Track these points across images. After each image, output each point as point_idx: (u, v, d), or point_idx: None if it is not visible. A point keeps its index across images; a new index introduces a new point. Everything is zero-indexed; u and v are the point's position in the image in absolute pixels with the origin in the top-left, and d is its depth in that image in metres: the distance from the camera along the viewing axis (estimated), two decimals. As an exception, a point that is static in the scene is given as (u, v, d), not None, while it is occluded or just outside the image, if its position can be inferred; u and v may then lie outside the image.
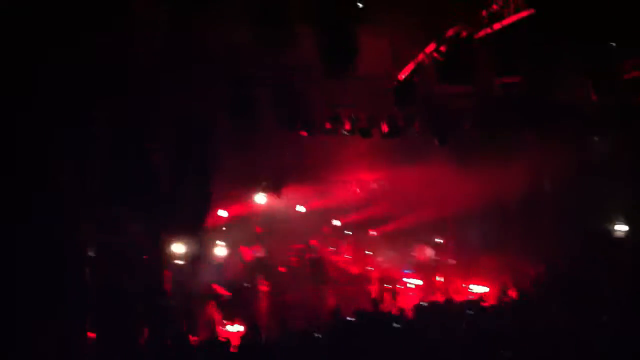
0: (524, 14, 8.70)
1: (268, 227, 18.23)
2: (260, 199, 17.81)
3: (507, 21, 8.78)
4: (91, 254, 10.49)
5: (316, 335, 11.13)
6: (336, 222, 19.46)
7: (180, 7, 8.49)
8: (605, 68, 11.37)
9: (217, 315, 14.10)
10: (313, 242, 17.68)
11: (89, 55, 8.81)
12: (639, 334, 9.57)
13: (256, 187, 17.56)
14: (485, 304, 13.19)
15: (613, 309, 11.16)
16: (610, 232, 16.87)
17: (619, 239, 16.68)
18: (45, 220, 9.34)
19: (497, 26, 8.92)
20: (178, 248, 13.57)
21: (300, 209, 18.83)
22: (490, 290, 15.76)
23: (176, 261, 14.27)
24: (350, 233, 19.78)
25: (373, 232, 19.72)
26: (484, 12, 8.94)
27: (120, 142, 10.53)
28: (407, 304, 16.17)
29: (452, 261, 18.81)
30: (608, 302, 11.73)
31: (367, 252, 18.66)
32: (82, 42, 8.58)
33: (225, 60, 10.41)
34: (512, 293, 14.95)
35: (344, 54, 8.44)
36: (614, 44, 9.96)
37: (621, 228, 16.74)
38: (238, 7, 8.49)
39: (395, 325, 11.01)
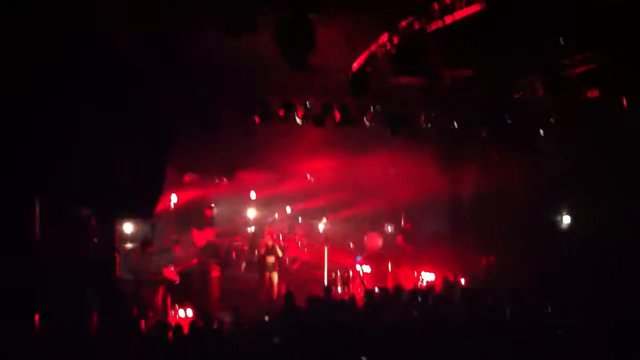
0: (475, 8, 8.84)
1: (220, 212, 18.23)
2: (214, 184, 17.83)
3: (458, 15, 8.91)
4: (40, 236, 10.38)
5: (267, 320, 11.25)
6: (288, 209, 19.53)
7: None
8: (553, 64, 11.63)
9: (167, 300, 14.10)
10: (265, 229, 17.70)
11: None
12: (580, 322, 9.93)
13: (209, 172, 17.56)
14: (434, 291, 13.49)
15: (558, 299, 11.48)
16: (557, 225, 17.34)
17: (565, 231, 17.17)
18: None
19: (448, 20, 9.05)
20: (128, 230, 13.51)
21: (253, 195, 18.86)
22: (438, 278, 16.04)
23: (127, 245, 14.23)
24: (301, 220, 19.90)
25: (325, 220, 19.87)
26: (436, 5, 9.05)
27: (72, 125, 10.38)
28: (357, 290, 16.42)
29: (403, 250, 19.07)
30: (553, 293, 12.08)
31: (319, 239, 18.76)
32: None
33: (181, 47, 10.35)
34: (460, 280, 15.26)
35: (300, 43, 8.46)
36: (561, 39, 10.16)
37: (567, 220, 17.23)
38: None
39: (346, 311, 11.17)
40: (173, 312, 13.69)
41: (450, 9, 8.96)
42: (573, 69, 11.86)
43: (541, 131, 15.37)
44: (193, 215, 17.46)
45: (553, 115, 14.72)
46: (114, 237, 13.18)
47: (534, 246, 16.00)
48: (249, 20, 8.05)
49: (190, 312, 13.46)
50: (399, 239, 19.40)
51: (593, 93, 12.83)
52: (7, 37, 8.32)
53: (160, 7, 8.57)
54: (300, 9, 8.22)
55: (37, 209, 10.37)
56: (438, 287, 14.31)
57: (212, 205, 18.23)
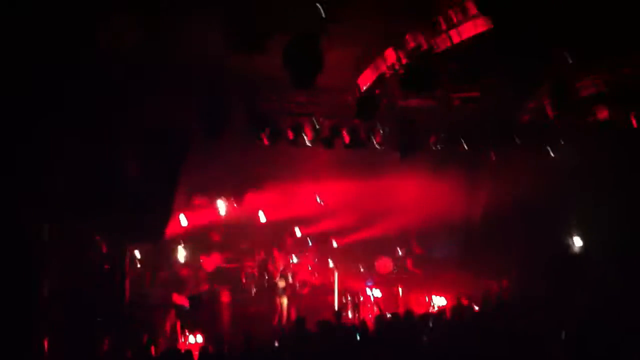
0: (482, 29, 8.87)
1: (228, 236, 18.16)
2: (222, 207, 17.78)
3: (464, 34, 8.94)
4: (52, 262, 10.37)
5: (277, 345, 11.13)
6: (298, 232, 19.45)
7: (150, 19, 8.48)
8: (562, 85, 11.62)
9: (177, 326, 14.00)
10: (275, 252, 17.62)
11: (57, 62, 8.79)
12: (599, 347, 9.76)
13: (217, 195, 17.54)
14: (446, 316, 13.33)
15: (572, 322, 11.32)
16: (570, 247, 17.21)
17: (578, 253, 17.02)
18: (6, 228, 9.23)
19: (456, 40, 9.08)
20: (138, 255, 13.50)
21: (262, 218, 18.79)
22: (449, 303, 15.89)
23: (137, 270, 14.19)
24: (311, 244, 19.80)
25: (335, 243, 19.76)
26: (441, 19, 9.07)
27: (82, 150, 10.42)
28: (368, 315, 16.27)
29: (414, 274, 18.94)
30: (568, 317, 11.92)
31: (329, 263, 18.65)
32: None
33: (191, 70, 10.41)
34: (473, 305, 15.10)
35: (308, 65, 8.49)
36: (570, 60, 10.15)
37: (579, 242, 17.11)
38: (205, 18, 8.52)
39: (357, 336, 11.05)
40: (183, 338, 13.59)
41: (456, 25, 8.98)
42: (582, 90, 11.86)
43: (550, 152, 15.30)
44: (201, 239, 17.41)
45: (563, 136, 14.69)
46: (124, 262, 13.13)
47: (547, 269, 15.83)
48: (258, 41, 8.09)
49: (200, 338, 13.36)
50: (410, 263, 19.27)
51: (602, 113, 12.81)
52: (8, 39, 8.31)
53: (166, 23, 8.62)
54: (309, 30, 8.27)
55: (47, 234, 10.37)
56: (449, 312, 14.15)
57: (220, 229, 18.18)
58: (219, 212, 17.86)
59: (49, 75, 8.88)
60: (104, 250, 12.25)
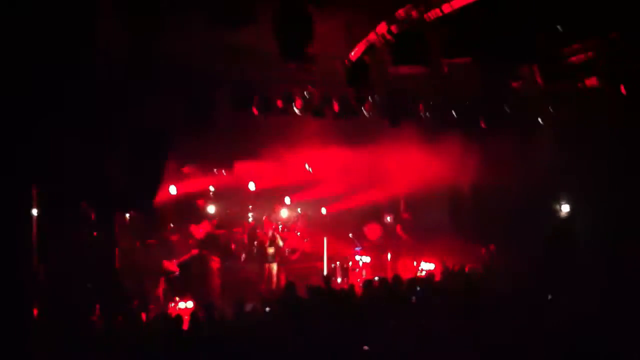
0: (473, -1, 8.81)
1: (218, 204, 18.20)
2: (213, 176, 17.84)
3: (456, 3, 8.89)
4: (38, 231, 10.35)
5: (268, 310, 11.24)
6: (287, 200, 19.52)
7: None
8: (552, 52, 11.59)
9: (166, 292, 14.11)
10: (265, 220, 17.72)
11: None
12: (583, 306, 9.93)
13: (208, 163, 17.54)
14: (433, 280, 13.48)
15: (560, 286, 11.50)
16: (557, 213, 17.37)
17: (565, 219, 17.20)
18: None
19: (446, 8, 9.03)
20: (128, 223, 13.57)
21: (252, 186, 18.83)
22: (437, 268, 16.06)
23: (126, 238, 14.24)
24: (301, 211, 19.89)
25: (324, 210, 19.86)
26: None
27: (69, 119, 10.34)
28: (357, 280, 16.44)
29: (402, 240, 19.10)
30: (556, 280, 12.09)
31: (318, 229, 18.76)
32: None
33: (179, 41, 10.32)
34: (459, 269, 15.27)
35: (298, 35, 8.44)
36: (559, 27, 10.13)
37: (566, 209, 17.26)
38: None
39: (346, 301, 11.19)
40: (173, 303, 13.69)
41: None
42: (572, 57, 11.84)
43: (540, 120, 15.33)
44: (190, 207, 17.44)
45: (552, 104, 14.70)
46: (113, 230, 13.15)
47: (533, 235, 15.98)
48: (247, 12, 8.02)
49: (190, 304, 13.47)
50: (399, 229, 19.42)
51: (592, 82, 12.82)
52: (7, 37, 8.30)
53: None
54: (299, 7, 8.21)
55: (35, 204, 10.35)
56: (437, 277, 14.31)
57: (208, 196, 18.23)
58: (208, 180, 17.92)
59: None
60: (92, 217, 12.27)
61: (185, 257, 15.30)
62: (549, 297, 11.06)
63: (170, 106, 11.86)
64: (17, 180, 9.31)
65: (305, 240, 18.66)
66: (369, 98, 13.65)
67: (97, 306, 11.33)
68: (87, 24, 8.61)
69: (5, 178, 9.05)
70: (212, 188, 18.28)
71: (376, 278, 13.32)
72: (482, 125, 15.32)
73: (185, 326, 9.72)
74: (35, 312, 10.11)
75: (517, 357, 8.70)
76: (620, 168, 14.58)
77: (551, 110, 15.05)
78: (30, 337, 9.20)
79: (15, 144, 9.01)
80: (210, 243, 15.80)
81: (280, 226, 18.03)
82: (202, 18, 8.06)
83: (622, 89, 12.52)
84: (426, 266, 16.82)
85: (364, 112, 13.71)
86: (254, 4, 7.92)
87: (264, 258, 16.26)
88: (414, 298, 11.32)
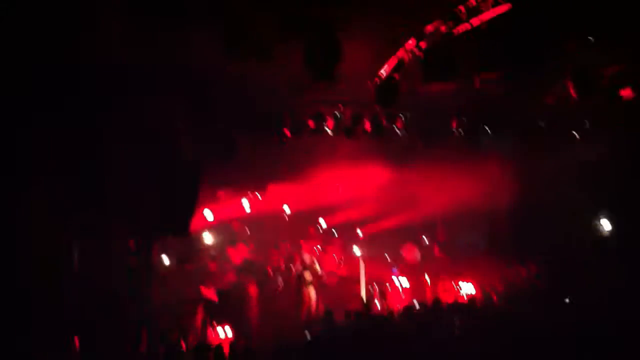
0: (502, 9, 8.77)
1: (253, 228, 18.21)
2: (246, 200, 17.85)
3: (485, 17, 8.85)
4: (78, 259, 10.44)
5: (308, 338, 11.12)
6: (323, 223, 19.46)
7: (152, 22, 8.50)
8: (585, 66, 11.45)
9: (206, 320, 14.07)
10: (301, 243, 17.66)
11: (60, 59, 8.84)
12: (625, 333, 9.64)
13: (241, 188, 17.58)
14: (474, 305, 13.23)
15: (601, 308, 11.22)
16: (596, 232, 17.01)
17: (605, 238, 16.82)
18: (29, 227, 9.33)
19: (475, 22, 8.99)
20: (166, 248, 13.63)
21: (287, 209, 18.82)
22: (477, 289, 15.81)
23: (165, 263, 14.30)
24: (336, 234, 19.79)
25: (360, 233, 19.73)
26: (462, 8, 8.99)
27: (105, 144, 10.47)
28: (396, 304, 16.22)
29: (440, 260, 18.86)
30: (597, 302, 11.79)
31: (355, 252, 18.62)
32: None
33: (211, 62, 10.42)
34: (500, 292, 15.02)
35: (328, 56, 8.47)
36: (592, 39, 10.02)
37: (606, 227, 16.89)
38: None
39: (386, 328, 11.05)
40: (212, 332, 13.65)
41: (477, 11, 8.90)
42: (605, 69, 11.69)
43: (576, 135, 15.09)
44: (225, 232, 17.47)
45: (588, 118, 14.48)
46: (152, 256, 13.22)
47: (575, 254, 15.66)
48: (265, 50, 8.12)
49: (229, 332, 13.41)
50: (436, 250, 19.19)
51: (627, 93, 12.61)
52: (11, 41, 8.39)
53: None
54: (327, 29, 8.25)
55: (76, 231, 10.47)
56: (478, 300, 14.07)
57: (243, 220, 18.26)
58: (243, 205, 17.92)
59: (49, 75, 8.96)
60: (132, 247, 12.35)
61: (224, 284, 15.28)
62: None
63: (207, 129, 11.93)
64: (59, 207, 9.43)
65: (342, 264, 18.54)
66: (401, 116, 13.56)
67: (142, 338, 11.34)
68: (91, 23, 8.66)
69: (47, 205, 9.19)
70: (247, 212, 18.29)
71: (415, 303, 13.12)
72: (516, 140, 15.13)
73: (226, 356, 9.67)
74: (77, 342, 10.18)
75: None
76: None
77: (587, 124, 14.78)
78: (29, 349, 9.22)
79: (52, 171, 9.16)
80: (247, 268, 15.78)
81: (317, 250, 17.94)
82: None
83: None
84: (465, 287, 16.55)
85: (396, 130, 13.62)
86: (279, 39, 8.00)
87: (301, 283, 16.14)
88: (456, 330, 11.08)
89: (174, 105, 11.08)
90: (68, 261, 10.09)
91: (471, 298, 14.73)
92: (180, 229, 12.81)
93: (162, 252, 14.34)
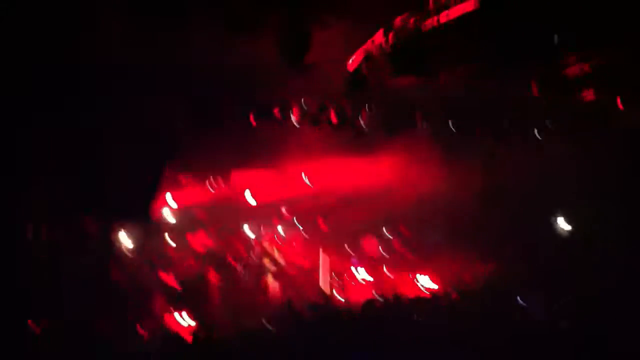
0: (468, 7, 8.82)
1: (215, 215, 18.11)
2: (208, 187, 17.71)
3: (452, 13, 8.90)
4: (36, 242, 10.31)
5: (269, 328, 11.13)
6: (285, 213, 19.42)
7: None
8: (549, 64, 11.61)
9: (165, 306, 13.97)
10: (262, 233, 17.63)
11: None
12: (585, 327, 9.85)
13: (204, 172, 17.42)
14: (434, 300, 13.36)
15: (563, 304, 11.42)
16: (557, 231, 17.28)
17: (565, 233, 17.10)
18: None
19: (443, 18, 9.04)
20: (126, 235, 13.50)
21: (249, 198, 18.74)
22: (437, 284, 15.97)
23: (125, 250, 14.13)
24: (299, 225, 19.78)
25: (322, 224, 19.74)
26: (431, 3, 9.03)
27: (68, 133, 10.33)
28: (356, 297, 16.29)
29: (401, 254, 18.96)
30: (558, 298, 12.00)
31: (315, 243, 18.65)
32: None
33: (177, 52, 10.33)
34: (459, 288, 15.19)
35: (296, 45, 8.45)
36: (556, 38, 10.16)
37: (566, 226, 17.17)
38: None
39: (345, 318, 11.10)
40: (172, 318, 13.56)
41: (444, 6, 8.94)
42: (569, 70, 11.86)
43: (537, 133, 15.29)
44: (187, 219, 17.35)
45: (550, 117, 14.68)
46: (111, 242, 13.08)
47: (534, 249, 15.89)
48: (248, 22, 8.05)
49: (190, 320, 13.34)
50: (396, 243, 19.29)
51: (589, 94, 12.82)
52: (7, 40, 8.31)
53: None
54: (298, 12, 8.22)
55: (33, 214, 10.32)
56: (438, 295, 14.22)
57: (204, 208, 18.14)
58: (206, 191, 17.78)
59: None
60: (92, 229, 12.21)
61: (184, 271, 15.19)
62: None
63: (169, 108, 11.79)
64: (17, 188, 9.29)
65: (303, 254, 18.54)
66: (366, 108, 13.58)
67: (98, 322, 11.21)
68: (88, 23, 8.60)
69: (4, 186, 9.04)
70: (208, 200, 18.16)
71: (376, 295, 13.20)
72: (480, 137, 15.27)
73: (188, 343, 9.62)
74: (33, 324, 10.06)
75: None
76: (621, 175, 14.51)
77: (547, 122, 14.99)
78: (29, 348, 9.14)
79: (13, 151, 9.00)
80: (207, 255, 15.68)
81: (276, 238, 17.92)
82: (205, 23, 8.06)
83: (619, 102, 12.53)
84: (424, 280, 16.70)
85: (361, 122, 13.64)
86: (256, 15, 7.95)
87: (262, 272, 16.11)
88: (415, 315, 11.20)
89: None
90: (31, 250, 9.98)
91: (431, 293, 14.87)
92: (141, 214, 12.71)
93: (122, 237, 14.11)
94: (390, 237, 19.61)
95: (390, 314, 11.47)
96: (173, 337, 9.78)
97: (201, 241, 15.89)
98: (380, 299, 12.72)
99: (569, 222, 16.99)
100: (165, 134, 12.05)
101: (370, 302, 12.31)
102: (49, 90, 9.06)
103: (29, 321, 9.59)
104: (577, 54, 11.49)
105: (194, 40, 9.56)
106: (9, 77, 8.56)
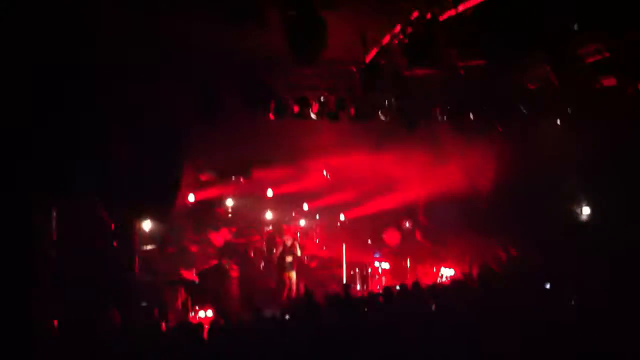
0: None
1: (236, 211, 18.24)
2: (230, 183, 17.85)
3: (470, 3, 8.83)
4: (58, 239, 10.43)
5: (287, 318, 11.18)
6: (305, 207, 19.50)
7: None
8: (567, 52, 11.48)
9: (187, 301, 14.11)
10: (283, 227, 17.73)
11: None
12: (604, 316, 9.76)
13: (226, 171, 17.54)
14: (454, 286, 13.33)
15: (580, 292, 11.33)
16: (576, 215, 17.15)
17: (585, 222, 16.97)
18: (10, 209, 9.29)
19: (461, 7, 8.97)
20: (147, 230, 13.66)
21: (270, 193, 18.83)
22: (458, 273, 15.93)
23: (146, 247, 14.28)
24: (320, 217, 19.86)
25: (342, 216, 19.81)
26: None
27: (89, 127, 10.41)
28: (376, 287, 16.34)
29: (422, 245, 18.97)
30: (575, 285, 11.91)
31: (337, 236, 18.72)
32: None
33: (192, 47, 10.35)
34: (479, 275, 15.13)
35: (312, 40, 8.41)
36: (576, 26, 10.04)
37: (585, 211, 17.04)
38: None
39: (365, 309, 11.10)
40: (193, 312, 13.69)
41: (463, -2, 8.88)
42: (588, 57, 11.73)
43: (558, 121, 15.15)
44: (208, 214, 17.48)
45: (570, 105, 14.53)
46: (132, 238, 13.20)
47: (553, 238, 15.78)
48: (257, 17, 8.02)
49: (210, 313, 13.46)
50: (418, 234, 19.30)
51: (609, 81, 12.67)
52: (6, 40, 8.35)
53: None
54: (311, 6, 8.18)
55: (55, 211, 10.44)
56: (457, 282, 14.16)
57: (226, 203, 18.26)
58: (226, 188, 17.94)
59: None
60: (112, 227, 12.31)
61: (205, 266, 15.32)
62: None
63: (187, 106, 11.85)
64: (35, 183, 9.40)
65: (324, 247, 18.63)
66: (385, 102, 13.54)
67: (118, 316, 11.34)
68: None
69: (24, 179, 9.14)
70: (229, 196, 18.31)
71: (397, 287, 13.20)
72: (499, 128, 15.16)
73: (206, 335, 9.69)
74: (55, 323, 10.19)
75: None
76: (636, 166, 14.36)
77: (569, 111, 14.84)
78: (44, 348, 9.24)
79: (30, 146, 9.11)
80: (229, 251, 15.80)
81: (298, 233, 18.01)
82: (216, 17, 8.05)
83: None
84: (446, 271, 16.69)
85: (380, 116, 13.60)
86: (264, 8, 7.92)
87: (282, 266, 16.20)
88: (433, 306, 11.17)
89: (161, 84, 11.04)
90: (48, 243, 10.09)
91: (452, 280, 14.81)
92: (162, 211, 12.82)
93: (144, 234, 14.26)
94: (411, 228, 19.66)
95: (409, 302, 11.41)
96: (192, 328, 9.81)
97: (222, 235, 16.03)
98: (397, 287, 12.68)
99: (588, 209, 16.88)
100: (184, 132, 12.11)
101: (389, 290, 12.28)
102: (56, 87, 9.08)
103: (35, 315, 9.67)
104: (597, 42, 11.33)
105: (206, 36, 9.57)
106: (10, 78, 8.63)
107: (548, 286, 11.64)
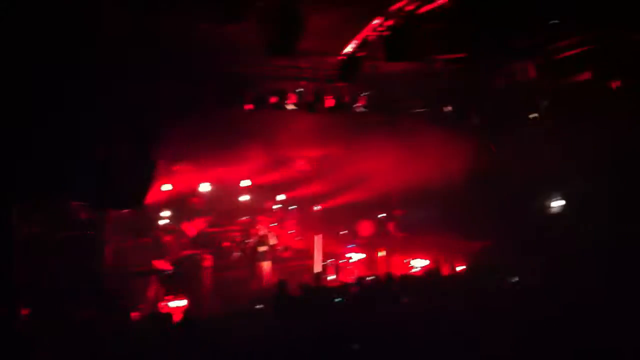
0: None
1: (210, 201, 18.13)
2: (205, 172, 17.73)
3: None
4: (29, 232, 10.30)
5: (258, 307, 11.16)
6: (281, 197, 19.45)
7: None
8: (546, 46, 11.55)
9: (158, 291, 14.00)
10: (258, 217, 17.64)
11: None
12: (575, 305, 9.87)
13: (201, 161, 17.41)
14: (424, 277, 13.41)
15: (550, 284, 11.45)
16: (548, 209, 17.29)
17: (557, 215, 17.11)
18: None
19: (440, 1, 8.98)
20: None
21: (245, 183, 18.74)
22: (431, 265, 16.00)
23: (119, 236, 14.17)
24: (295, 208, 19.82)
25: (317, 207, 19.80)
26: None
27: (59, 116, 10.24)
28: (349, 278, 16.35)
29: (395, 237, 19.03)
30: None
31: (310, 227, 18.69)
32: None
33: (170, 37, 10.24)
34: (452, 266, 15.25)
35: (290, 31, 8.36)
36: (554, 21, 10.11)
37: (558, 204, 17.16)
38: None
39: (337, 299, 11.12)
40: (165, 302, 13.59)
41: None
42: (565, 52, 11.81)
43: (535, 115, 15.25)
44: (182, 205, 17.36)
45: (546, 99, 14.64)
46: (104, 229, 13.06)
47: (525, 231, 15.90)
48: (235, 10, 7.95)
49: (182, 302, 13.37)
50: (391, 226, 19.34)
51: (585, 76, 12.78)
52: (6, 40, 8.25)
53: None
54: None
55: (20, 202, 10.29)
56: (428, 273, 14.25)
57: (200, 193, 18.15)
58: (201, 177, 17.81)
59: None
60: (83, 216, 12.17)
61: (178, 256, 15.21)
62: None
63: (161, 95, 11.72)
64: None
65: (298, 238, 18.59)
66: (362, 94, 13.53)
67: (88, 307, 11.21)
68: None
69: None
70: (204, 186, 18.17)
71: (368, 277, 13.25)
72: (474, 121, 15.24)
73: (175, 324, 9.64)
74: (25, 312, 10.05)
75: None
76: (613, 160, 14.50)
77: (545, 104, 14.95)
78: (17, 336, 9.12)
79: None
80: (202, 241, 15.69)
81: (273, 224, 17.94)
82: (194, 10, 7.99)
83: (613, 83, 12.49)
84: (417, 263, 16.76)
85: (357, 108, 13.59)
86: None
87: (256, 256, 16.14)
88: (405, 298, 11.23)
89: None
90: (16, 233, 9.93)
91: (425, 271, 14.88)
92: (136, 201, 12.65)
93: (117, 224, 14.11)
94: (385, 221, 19.72)
95: (381, 292, 11.47)
96: (163, 317, 9.76)
97: (195, 225, 15.90)
98: (368, 278, 12.74)
99: (561, 203, 17.02)
100: (158, 122, 11.96)
101: (361, 279, 12.33)
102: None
103: (18, 310, 9.55)
104: (575, 36, 11.41)
105: (181, 27, 9.47)
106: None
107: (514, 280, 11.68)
